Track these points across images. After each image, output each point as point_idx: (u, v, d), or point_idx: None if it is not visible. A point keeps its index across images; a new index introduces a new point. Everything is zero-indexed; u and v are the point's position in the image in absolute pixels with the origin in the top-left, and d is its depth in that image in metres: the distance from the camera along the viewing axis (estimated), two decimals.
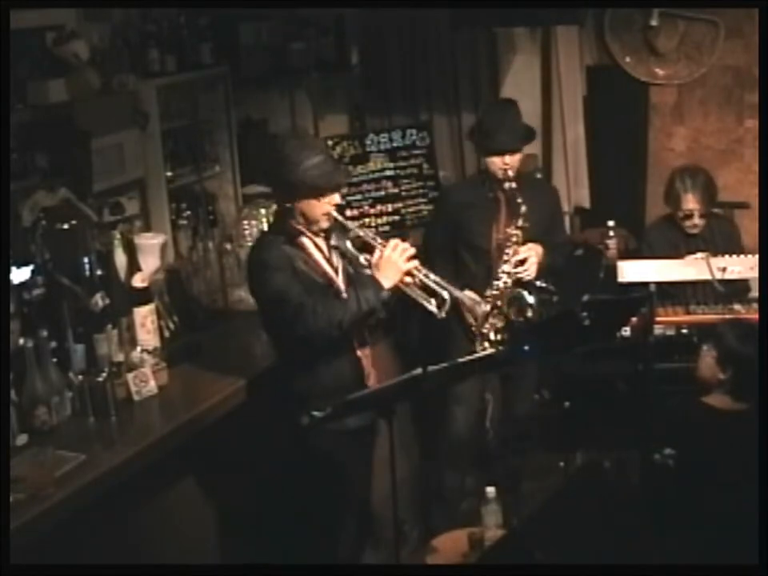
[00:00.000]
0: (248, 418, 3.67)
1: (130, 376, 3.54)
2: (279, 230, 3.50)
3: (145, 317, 3.79)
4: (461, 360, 3.37)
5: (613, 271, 4.43)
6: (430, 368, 3.15)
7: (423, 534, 4.20)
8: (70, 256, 3.69)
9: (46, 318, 3.47)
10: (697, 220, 4.58)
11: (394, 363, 3.64)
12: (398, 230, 5.03)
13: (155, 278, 4.01)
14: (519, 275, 4.02)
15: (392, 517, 3.36)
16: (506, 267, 4.02)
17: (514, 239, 4.02)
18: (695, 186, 4.54)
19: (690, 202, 4.55)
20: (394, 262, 3.40)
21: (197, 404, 3.57)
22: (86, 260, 3.68)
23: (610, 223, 4.76)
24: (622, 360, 4.35)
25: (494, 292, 4.02)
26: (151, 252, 4.04)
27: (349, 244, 3.56)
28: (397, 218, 5.06)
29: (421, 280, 3.46)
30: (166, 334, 4.02)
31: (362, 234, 3.54)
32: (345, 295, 3.46)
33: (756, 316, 4.02)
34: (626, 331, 4.22)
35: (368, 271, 3.47)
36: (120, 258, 3.88)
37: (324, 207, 3.41)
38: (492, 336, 3.98)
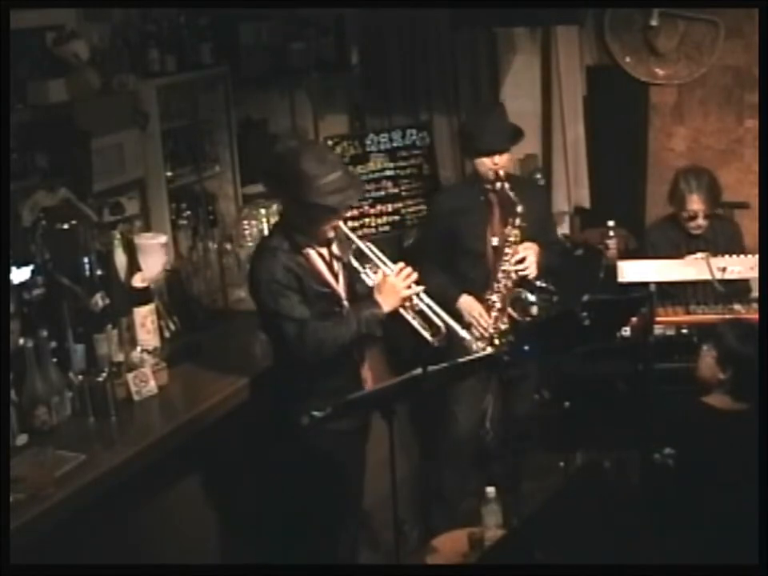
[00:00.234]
0: (248, 418, 3.67)
1: (130, 376, 3.54)
2: (282, 236, 3.45)
3: (145, 317, 3.79)
4: (461, 360, 3.38)
5: (613, 271, 4.43)
6: (430, 368, 3.15)
7: (423, 534, 4.20)
8: (69, 256, 3.69)
9: (46, 318, 3.47)
10: (701, 221, 4.58)
11: (390, 365, 3.65)
12: (397, 230, 5.05)
13: (155, 278, 4.01)
14: (521, 273, 4.02)
15: (392, 517, 3.36)
16: (505, 267, 4.03)
17: (512, 239, 4.02)
18: (700, 187, 4.55)
19: (695, 203, 4.55)
20: (397, 289, 3.40)
21: (197, 404, 3.57)
22: (86, 260, 3.68)
23: (610, 223, 4.76)
24: (622, 360, 4.34)
25: (495, 294, 4.03)
26: (151, 252, 4.04)
27: (352, 257, 3.53)
28: (397, 217, 5.06)
29: (419, 307, 3.46)
30: (166, 334, 4.02)
31: (366, 251, 3.49)
32: (345, 302, 3.46)
33: (756, 316, 4.02)
34: (626, 331, 4.21)
35: (368, 282, 3.47)
36: (120, 258, 3.89)
37: (333, 221, 3.40)
38: (496, 340, 3.98)
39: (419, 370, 3.12)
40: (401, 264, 3.46)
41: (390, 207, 5.05)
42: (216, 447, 3.61)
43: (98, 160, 4.02)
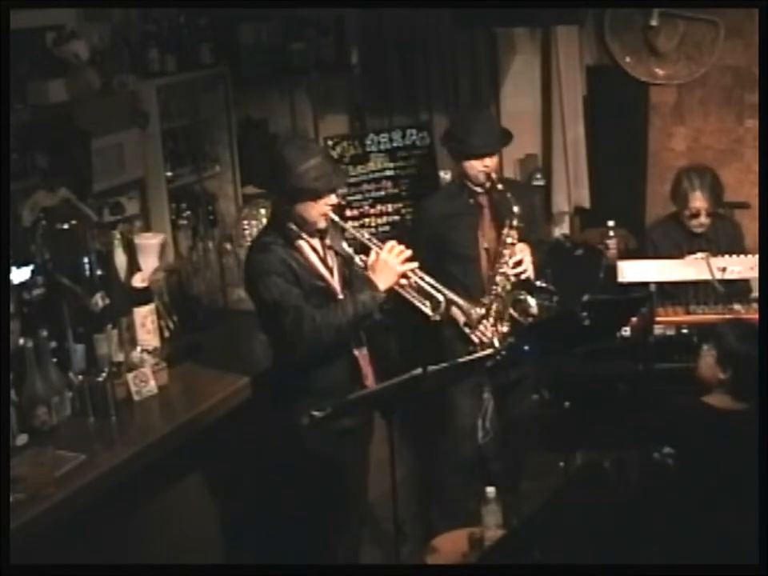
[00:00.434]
0: (248, 418, 3.67)
1: (130, 376, 3.54)
2: (276, 232, 3.49)
3: (145, 317, 3.79)
4: (460, 360, 3.38)
5: (613, 271, 4.43)
6: (430, 368, 3.15)
7: (423, 534, 4.20)
8: (69, 256, 3.69)
9: (46, 318, 3.47)
10: (703, 219, 4.58)
11: (391, 363, 3.65)
12: (398, 230, 5.04)
13: (155, 278, 4.01)
14: (520, 275, 4.01)
15: (392, 517, 3.36)
16: (504, 270, 4.01)
17: (510, 240, 4.01)
18: (703, 185, 4.55)
19: (698, 201, 4.56)
20: (390, 265, 3.40)
21: (197, 404, 3.57)
22: (86, 260, 3.68)
23: (610, 223, 4.76)
24: (622, 360, 4.35)
25: (492, 297, 4.01)
26: (151, 252, 4.04)
27: (345, 245, 3.56)
28: (397, 218, 5.06)
29: (416, 282, 3.46)
30: (166, 334, 4.02)
31: (357, 235, 3.55)
32: (341, 296, 3.46)
33: (756, 316, 4.02)
34: (626, 331, 4.22)
35: (364, 272, 3.47)
36: (120, 258, 3.89)
37: (321, 208, 3.41)
38: (497, 343, 3.97)
39: (419, 370, 3.12)
40: (392, 242, 3.46)
41: (390, 207, 5.05)
42: (216, 447, 3.61)
43: (98, 160, 4.03)
